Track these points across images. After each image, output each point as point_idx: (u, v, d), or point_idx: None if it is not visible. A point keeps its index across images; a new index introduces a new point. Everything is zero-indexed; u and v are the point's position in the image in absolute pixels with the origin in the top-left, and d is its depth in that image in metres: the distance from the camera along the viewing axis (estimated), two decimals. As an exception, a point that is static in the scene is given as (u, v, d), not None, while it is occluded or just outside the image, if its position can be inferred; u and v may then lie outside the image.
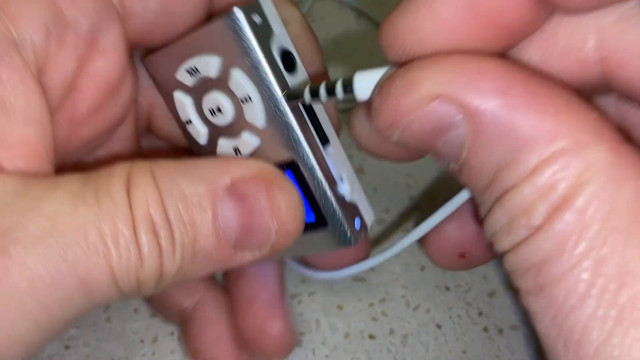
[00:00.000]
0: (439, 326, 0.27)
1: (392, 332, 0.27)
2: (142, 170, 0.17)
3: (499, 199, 0.14)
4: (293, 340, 0.25)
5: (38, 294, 0.15)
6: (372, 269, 0.28)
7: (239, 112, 0.20)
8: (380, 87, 0.15)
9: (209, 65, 0.19)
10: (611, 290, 0.12)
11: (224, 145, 0.21)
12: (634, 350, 0.12)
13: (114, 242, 0.16)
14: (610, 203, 0.13)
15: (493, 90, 0.13)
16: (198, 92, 0.20)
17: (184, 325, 0.25)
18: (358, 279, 0.28)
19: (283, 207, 0.18)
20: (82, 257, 0.15)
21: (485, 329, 0.27)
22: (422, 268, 0.29)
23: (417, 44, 0.15)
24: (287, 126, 0.19)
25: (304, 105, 0.19)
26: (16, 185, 0.16)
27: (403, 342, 0.27)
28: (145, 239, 0.16)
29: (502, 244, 0.14)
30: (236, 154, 0.21)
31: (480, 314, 0.28)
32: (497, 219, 0.14)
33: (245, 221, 0.18)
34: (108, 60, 0.19)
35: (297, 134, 0.19)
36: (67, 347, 0.26)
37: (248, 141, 0.20)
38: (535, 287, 0.13)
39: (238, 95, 0.19)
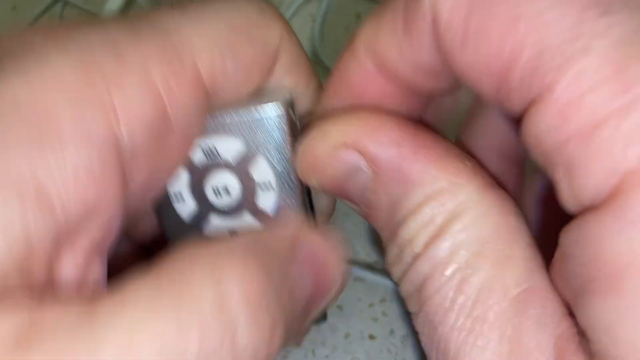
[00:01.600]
0: (439, 326, 0.27)
1: (392, 332, 0.27)
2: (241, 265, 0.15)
3: (393, 234, 0.16)
4: None
5: None
6: (372, 269, 0.28)
7: (249, 195, 0.20)
8: (303, 139, 0.18)
9: (231, 150, 0.20)
10: (468, 305, 0.15)
11: (218, 224, 0.21)
12: (478, 357, 0.14)
13: None
14: (476, 233, 0.15)
15: (389, 142, 0.16)
16: (202, 169, 0.20)
17: None
18: (358, 279, 0.28)
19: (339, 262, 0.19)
20: None
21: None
22: (422, 268, 0.29)
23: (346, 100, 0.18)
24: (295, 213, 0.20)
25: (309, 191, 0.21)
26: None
27: (403, 343, 0.27)
28: (246, 333, 0.14)
29: (396, 273, 0.17)
30: (230, 235, 0.20)
31: (480, 314, 0.28)
32: (391, 252, 0.17)
33: (315, 277, 0.18)
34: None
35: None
36: (67, 348, 0.26)
37: (250, 225, 0.20)
38: (417, 307, 0.16)
39: (257, 180, 0.20)
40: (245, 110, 0.19)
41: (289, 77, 0.20)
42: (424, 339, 0.16)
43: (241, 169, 0.20)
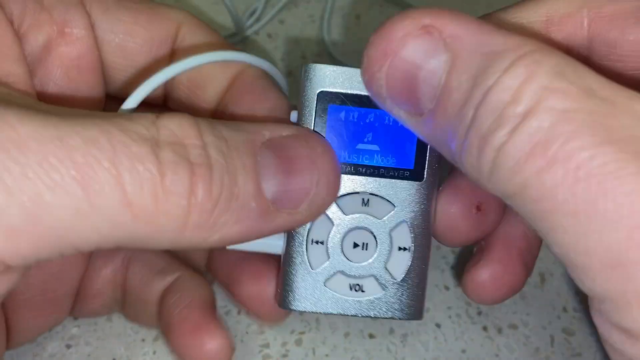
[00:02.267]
0: (438, 325, 0.27)
1: (392, 331, 0.27)
2: (179, 114, 0.17)
3: (481, 102, 0.15)
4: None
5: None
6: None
7: (381, 258, 0.22)
8: (376, 30, 0.17)
9: (385, 209, 0.21)
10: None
11: (340, 282, 0.22)
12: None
13: (126, 156, 0.15)
14: (577, 83, 0.14)
15: (469, 22, 0.16)
16: (346, 222, 0.21)
17: (163, 316, 0.23)
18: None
19: (320, 159, 0.19)
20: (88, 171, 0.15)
21: (485, 329, 0.27)
22: (422, 268, 0.29)
23: None
24: (422, 286, 0.22)
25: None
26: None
27: (403, 342, 0.27)
28: (168, 156, 0.15)
29: (497, 138, 0.15)
30: (352, 290, 0.22)
31: (479, 313, 0.28)
32: (483, 121, 0.15)
33: (285, 167, 0.18)
34: (74, 48, 0.20)
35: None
36: (68, 346, 0.26)
37: (373, 288, 0.22)
38: (547, 162, 0.14)
39: (395, 244, 0.21)
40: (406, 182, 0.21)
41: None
42: (529, 211, 0.15)
43: (381, 229, 0.21)
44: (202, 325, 0.22)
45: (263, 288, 0.23)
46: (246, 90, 0.22)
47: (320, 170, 0.19)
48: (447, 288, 0.28)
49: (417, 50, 0.16)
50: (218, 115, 0.23)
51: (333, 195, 0.20)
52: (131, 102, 0.20)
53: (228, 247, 0.21)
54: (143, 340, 0.26)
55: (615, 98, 0.14)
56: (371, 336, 0.27)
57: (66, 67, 0.21)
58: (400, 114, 0.18)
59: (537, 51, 0.15)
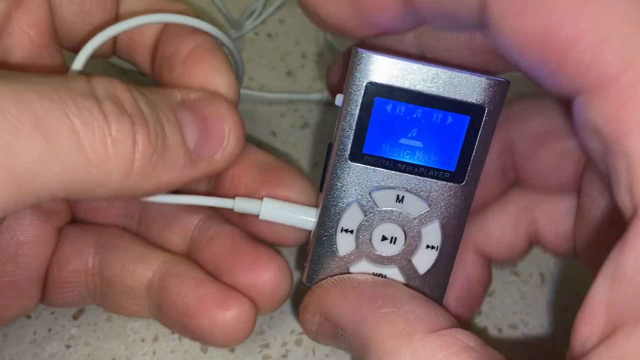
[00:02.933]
0: (438, 325, 0.27)
1: (391, 331, 0.27)
2: (107, 76, 0.19)
3: None
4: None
5: None
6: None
7: (408, 251, 0.22)
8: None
9: (418, 208, 0.22)
10: None
11: (364, 268, 0.22)
12: None
13: (75, 104, 0.17)
14: None
15: (349, 305, 0.20)
16: (377, 215, 0.22)
17: (158, 297, 0.24)
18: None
19: (230, 115, 0.21)
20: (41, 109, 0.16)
21: (485, 329, 0.27)
22: (422, 268, 0.29)
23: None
24: (444, 280, 0.22)
25: None
26: None
27: (403, 342, 0.27)
28: (109, 107, 0.17)
29: None
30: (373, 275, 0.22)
31: (479, 313, 0.28)
32: None
33: (200, 123, 0.20)
34: (32, 15, 0.22)
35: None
36: (67, 347, 0.26)
37: (395, 277, 0.22)
38: None
39: (424, 241, 0.22)
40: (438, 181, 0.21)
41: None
42: None
43: (413, 225, 0.22)
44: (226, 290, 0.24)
45: (258, 277, 0.23)
46: (188, 61, 0.23)
47: (229, 124, 0.21)
48: (447, 288, 0.28)
49: (327, 330, 0.21)
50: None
51: (241, 145, 0.22)
52: (78, 63, 0.21)
53: (262, 218, 0.23)
54: (143, 340, 0.26)
55: None
56: (371, 336, 0.27)
57: (26, 35, 0.22)
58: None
59: (392, 355, 0.18)
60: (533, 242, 0.24)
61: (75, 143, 0.17)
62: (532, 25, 0.15)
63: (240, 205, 0.23)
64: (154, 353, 0.26)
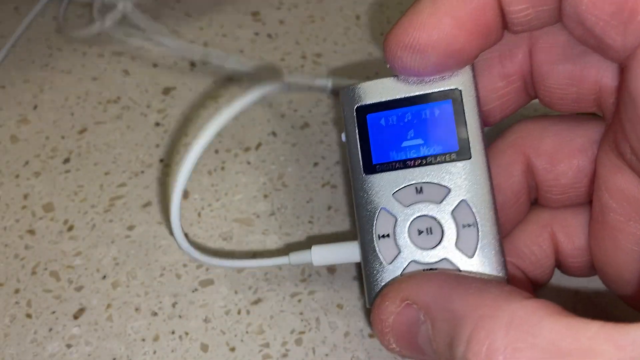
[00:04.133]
0: (438, 325, 0.27)
1: (391, 331, 0.27)
2: None
3: None
4: None
5: None
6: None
7: (448, 238, 0.22)
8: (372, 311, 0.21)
9: (440, 193, 0.22)
10: None
11: (414, 268, 0.22)
12: None
13: None
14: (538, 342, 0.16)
15: (436, 286, 0.19)
16: (406, 213, 0.23)
17: None
18: (358, 278, 0.28)
19: None
20: None
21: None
22: (422, 267, 0.29)
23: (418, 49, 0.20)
24: (497, 257, 0.22)
25: None
26: None
27: (402, 341, 0.27)
28: None
29: None
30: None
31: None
32: None
33: None
34: None
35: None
36: (68, 346, 0.26)
37: (448, 267, 0.22)
38: None
39: (459, 223, 0.22)
40: (452, 162, 0.22)
41: None
42: None
43: (442, 209, 0.22)
44: None
45: None
46: None
47: None
48: (446, 288, 0.28)
49: (406, 323, 0.20)
50: None
51: None
52: None
53: (316, 265, 0.25)
54: (143, 339, 0.26)
55: (577, 344, 0.15)
56: (371, 336, 0.27)
57: None
58: None
59: (489, 319, 0.16)
60: (558, 259, 0.25)
61: None
62: None
63: (295, 259, 0.25)
64: (154, 353, 0.26)
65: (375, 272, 0.23)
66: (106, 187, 0.31)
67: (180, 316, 0.27)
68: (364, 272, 0.23)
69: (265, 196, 0.31)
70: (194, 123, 0.33)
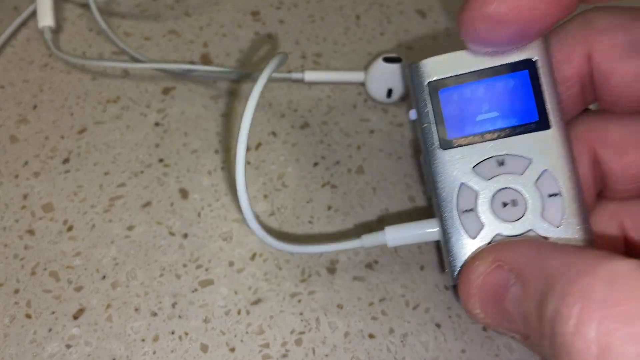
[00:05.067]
0: (438, 325, 0.27)
1: (391, 331, 0.27)
2: None
3: (551, 336, 0.16)
4: None
5: None
6: (372, 269, 0.28)
7: (534, 209, 0.22)
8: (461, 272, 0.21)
9: (522, 164, 0.22)
10: None
11: (501, 239, 0.22)
12: None
13: None
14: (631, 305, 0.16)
15: (529, 248, 0.19)
16: (488, 186, 0.22)
17: None
18: (358, 278, 0.28)
19: None
20: None
21: (485, 329, 0.27)
22: (422, 267, 0.29)
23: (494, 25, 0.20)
24: (584, 224, 0.22)
25: None
26: None
27: (402, 342, 0.27)
28: None
29: None
30: None
31: (479, 313, 0.28)
32: (562, 356, 0.16)
33: None
34: None
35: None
36: (68, 346, 0.26)
37: (536, 235, 0.22)
38: None
39: (544, 192, 0.22)
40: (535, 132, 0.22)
41: None
42: None
43: (529, 181, 0.22)
44: None
45: None
46: None
47: None
48: (447, 288, 0.28)
49: (495, 285, 0.19)
50: None
51: None
52: None
53: (391, 245, 0.25)
54: (143, 340, 0.26)
55: None
56: (371, 336, 0.27)
57: None
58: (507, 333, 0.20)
59: (587, 273, 0.16)
60: (627, 250, 0.24)
61: None
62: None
63: (368, 241, 0.25)
64: (154, 353, 0.26)
65: (460, 247, 0.22)
66: (106, 187, 0.31)
67: (180, 316, 0.27)
68: (447, 248, 0.23)
69: (265, 196, 0.31)
70: (193, 123, 0.33)
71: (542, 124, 0.22)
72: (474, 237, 0.22)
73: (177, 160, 0.32)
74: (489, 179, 0.22)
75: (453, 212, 0.22)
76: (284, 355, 0.26)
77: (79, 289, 0.28)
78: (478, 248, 0.22)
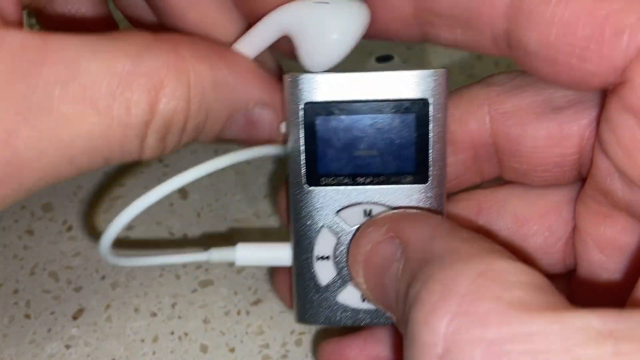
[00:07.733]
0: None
1: (392, 331, 0.27)
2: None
3: (408, 317, 0.15)
4: None
5: None
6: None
7: None
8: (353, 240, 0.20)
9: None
10: None
11: (350, 293, 0.21)
12: None
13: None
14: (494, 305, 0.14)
15: (424, 226, 0.18)
16: (350, 236, 0.21)
17: None
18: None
19: None
20: None
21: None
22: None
23: None
24: None
25: None
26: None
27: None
28: None
29: None
30: (364, 301, 0.21)
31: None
32: (412, 334, 0.15)
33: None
34: None
35: None
36: (67, 347, 0.26)
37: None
38: None
39: None
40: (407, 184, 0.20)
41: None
42: None
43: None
44: None
45: None
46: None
47: None
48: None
49: (382, 256, 0.18)
50: None
51: None
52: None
53: (239, 264, 0.22)
54: (142, 340, 0.26)
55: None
56: (371, 336, 0.27)
57: None
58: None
59: (461, 262, 0.15)
60: None
61: None
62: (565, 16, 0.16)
63: (215, 255, 0.22)
64: (154, 353, 0.26)
65: (309, 292, 0.21)
66: (105, 187, 0.31)
67: (179, 317, 0.27)
68: (297, 289, 0.21)
69: (265, 196, 0.31)
70: (193, 123, 0.33)
71: (419, 178, 0.20)
72: (325, 284, 0.21)
73: (177, 160, 0.32)
74: (353, 227, 0.20)
75: (310, 255, 0.21)
76: (284, 356, 0.26)
77: (78, 289, 0.28)
78: (327, 296, 0.21)
